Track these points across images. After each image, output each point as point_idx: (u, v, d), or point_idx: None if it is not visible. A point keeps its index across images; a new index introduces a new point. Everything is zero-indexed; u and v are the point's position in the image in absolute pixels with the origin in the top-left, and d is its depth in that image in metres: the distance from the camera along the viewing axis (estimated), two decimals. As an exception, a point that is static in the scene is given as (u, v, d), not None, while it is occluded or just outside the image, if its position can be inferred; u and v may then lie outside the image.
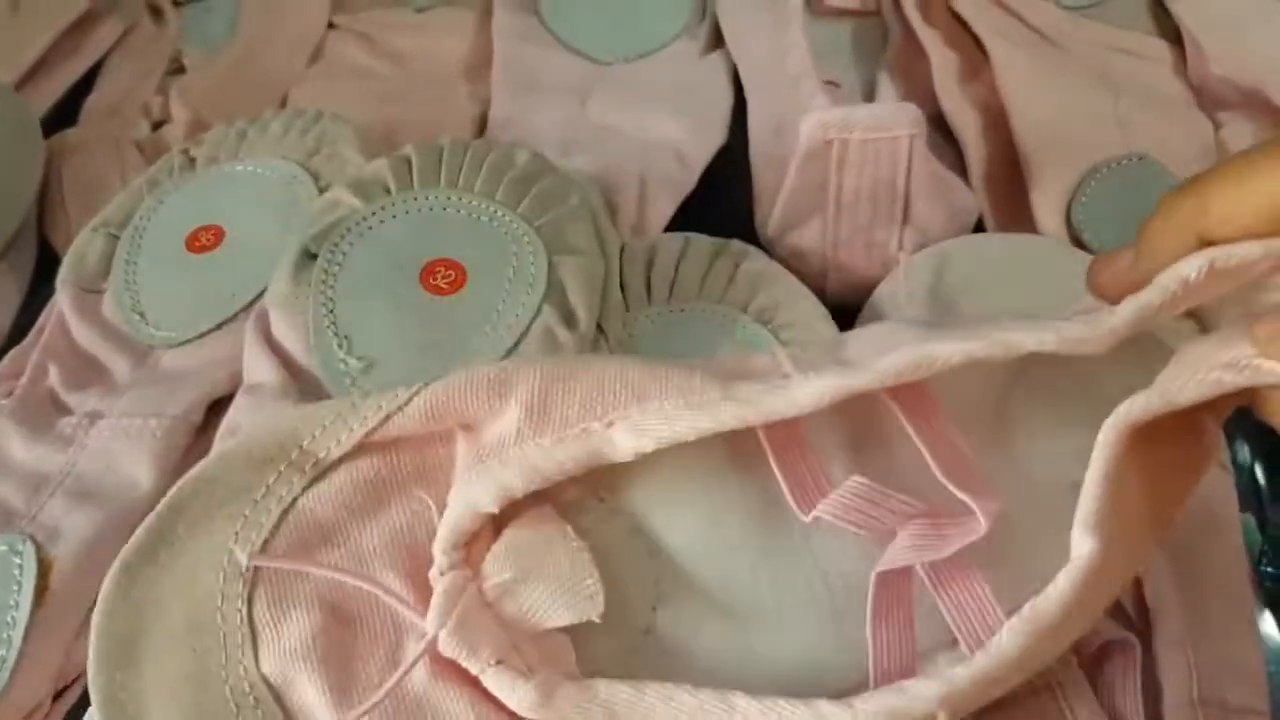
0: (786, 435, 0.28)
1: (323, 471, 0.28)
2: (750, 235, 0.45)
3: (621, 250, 0.42)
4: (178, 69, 0.57)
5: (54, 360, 0.39)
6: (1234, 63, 0.49)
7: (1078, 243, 0.43)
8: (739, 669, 0.28)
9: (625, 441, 0.27)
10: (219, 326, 0.40)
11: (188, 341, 0.40)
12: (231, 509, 0.27)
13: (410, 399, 0.28)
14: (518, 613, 0.26)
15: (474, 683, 0.25)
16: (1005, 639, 0.24)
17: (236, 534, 0.27)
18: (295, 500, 0.27)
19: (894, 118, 0.39)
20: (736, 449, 0.30)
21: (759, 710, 0.24)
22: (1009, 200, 0.46)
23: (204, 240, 0.42)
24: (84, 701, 0.29)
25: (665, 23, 0.56)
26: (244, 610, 0.26)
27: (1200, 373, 0.24)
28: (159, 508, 0.27)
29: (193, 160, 0.46)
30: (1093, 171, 0.44)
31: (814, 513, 0.27)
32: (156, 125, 0.53)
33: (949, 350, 0.26)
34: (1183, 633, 0.33)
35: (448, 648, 0.25)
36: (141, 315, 0.41)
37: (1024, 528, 0.28)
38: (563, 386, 0.27)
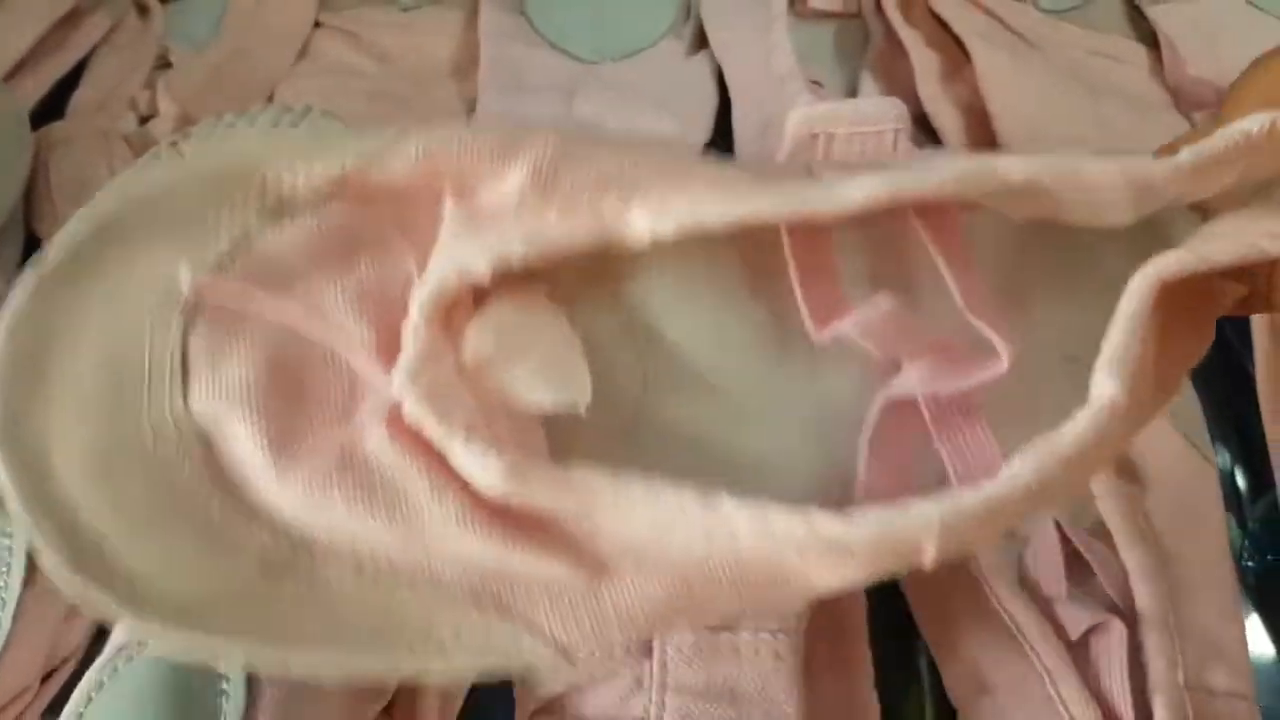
0: (813, 250, 0.26)
1: (286, 209, 0.24)
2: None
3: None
4: (164, 65, 0.57)
5: (41, 349, 0.39)
6: (1210, 65, 0.50)
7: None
8: (722, 471, 0.26)
9: (642, 222, 0.23)
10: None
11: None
12: (173, 234, 0.23)
13: (398, 143, 0.24)
14: (496, 388, 0.23)
15: (434, 456, 0.22)
16: (1017, 466, 0.22)
17: (177, 260, 0.23)
18: (249, 235, 0.23)
19: (880, 112, 0.40)
20: (754, 267, 0.27)
21: (747, 516, 0.21)
22: (991, 198, 0.47)
23: (192, 231, 0.42)
24: (73, 684, 0.29)
25: (650, 24, 0.57)
26: (177, 341, 0.23)
27: (1239, 237, 0.23)
28: (79, 221, 0.23)
29: (181, 154, 0.46)
30: (1073, 169, 0.45)
31: (833, 329, 0.25)
32: (143, 120, 0.53)
33: (1012, 166, 0.23)
34: (1168, 618, 0.33)
35: (414, 409, 0.21)
36: (130, 305, 0.40)
37: (1013, 395, 0.26)
38: (578, 156, 0.24)
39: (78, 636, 0.34)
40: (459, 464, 0.21)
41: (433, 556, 0.22)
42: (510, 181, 0.23)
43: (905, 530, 0.21)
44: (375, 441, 0.22)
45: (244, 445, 0.22)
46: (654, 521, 0.21)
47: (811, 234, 0.25)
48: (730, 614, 0.26)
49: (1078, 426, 0.22)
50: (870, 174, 0.23)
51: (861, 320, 0.25)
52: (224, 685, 0.28)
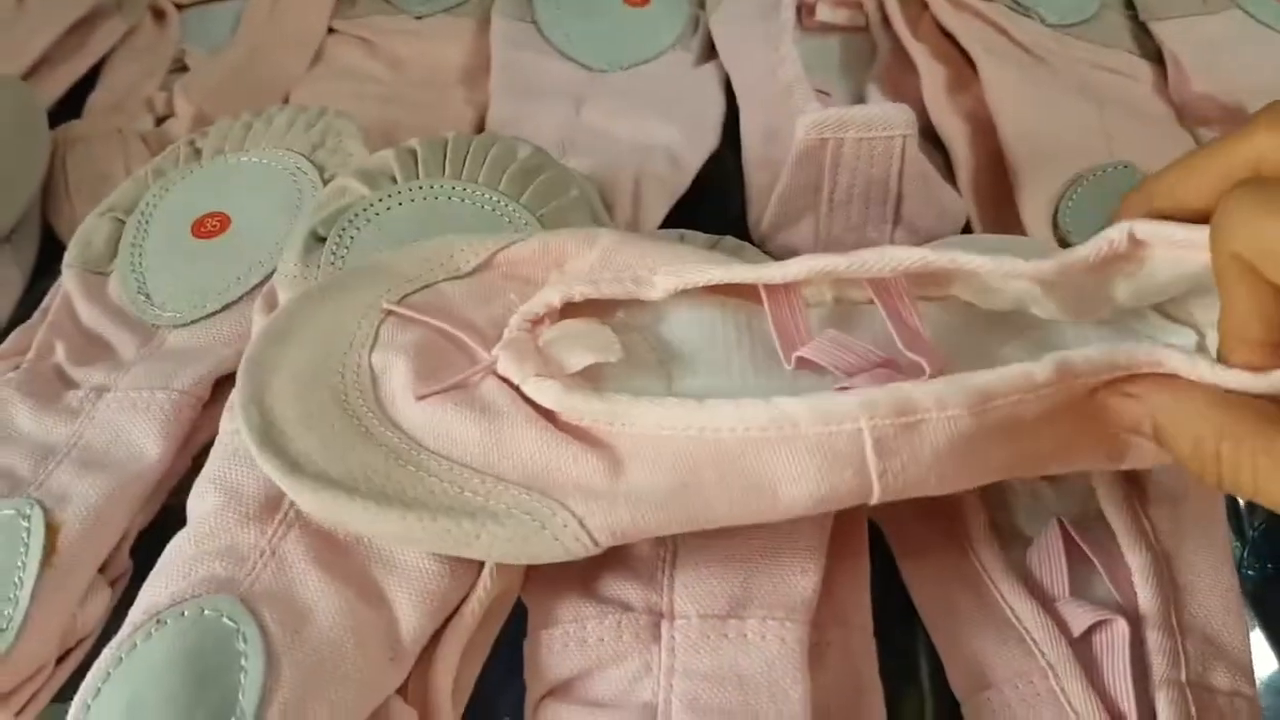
0: (784, 300, 0.34)
1: (459, 274, 0.36)
2: (741, 237, 0.46)
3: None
4: (180, 68, 0.58)
5: (60, 338, 0.40)
6: (1214, 81, 0.51)
7: (1064, 246, 0.44)
8: None
9: (662, 282, 0.34)
10: (224, 309, 0.40)
11: (193, 322, 0.40)
12: (390, 282, 0.35)
13: (529, 236, 0.36)
14: (556, 355, 0.33)
15: (518, 391, 0.31)
16: (938, 381, 0.28)
17: (388, 290, 0.35)
18: (434, 284, 0.35)
19: (888, 118, 0.40)
20: (745, 312, 0.36)
21: (729, 408, 0.28)
22: (996, 207, 0.48)
23: (210, 226, 0.43)
24: (88, 664, 0.30)
25: (659, 35, 0.58)
26: (373, 327, 0.34)
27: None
28: (345, 273, 0.37)
29: (198, 151, 0.47)
30: (1078, 178, 0.46)
31: (796, 353, 0.33)
32: (160, 120, 0.54)
33: (909, 254, 0.31)
34: (1170, 617, 0.34)
35: (503, 364, 0.32)
36: (147, 296, 0.41)
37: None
38: (631, 247, 0.35)
39: (94, 617, 0.34)
40: (530, 392, 0.31)
41: (501, 458, 0.30)
42: (588, 258, 0.36)
43: (840, 406, 0.27)
44: (489, 387, 0.32)
45: (398, 379, 0.32)
46: (660, 421, 0.29)
47: (784, 290, 0.34)
48: (721, 515, 0.29)
49: (994, 374, 0.27)
50: (811, 259, 0.33)
51: (815, 345, 0.32)
52: (242, 662, 0.28)
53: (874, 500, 0.28)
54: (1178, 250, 0.28)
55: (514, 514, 0.29)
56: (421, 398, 0.31)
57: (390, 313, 0.34)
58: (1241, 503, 0.41)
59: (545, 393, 0.31)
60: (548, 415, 0.31)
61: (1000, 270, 0.31)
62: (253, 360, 0.32)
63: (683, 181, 0.49)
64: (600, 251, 0.36)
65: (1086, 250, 0.29)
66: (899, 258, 0.31)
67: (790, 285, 0.34)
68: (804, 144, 0.41)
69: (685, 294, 0.35)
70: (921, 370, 0.30)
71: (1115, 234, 0.29)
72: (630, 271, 0.35)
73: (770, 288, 0.34)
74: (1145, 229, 0.28)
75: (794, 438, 0.27)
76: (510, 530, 0.29)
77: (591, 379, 0.33)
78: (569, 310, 0.35)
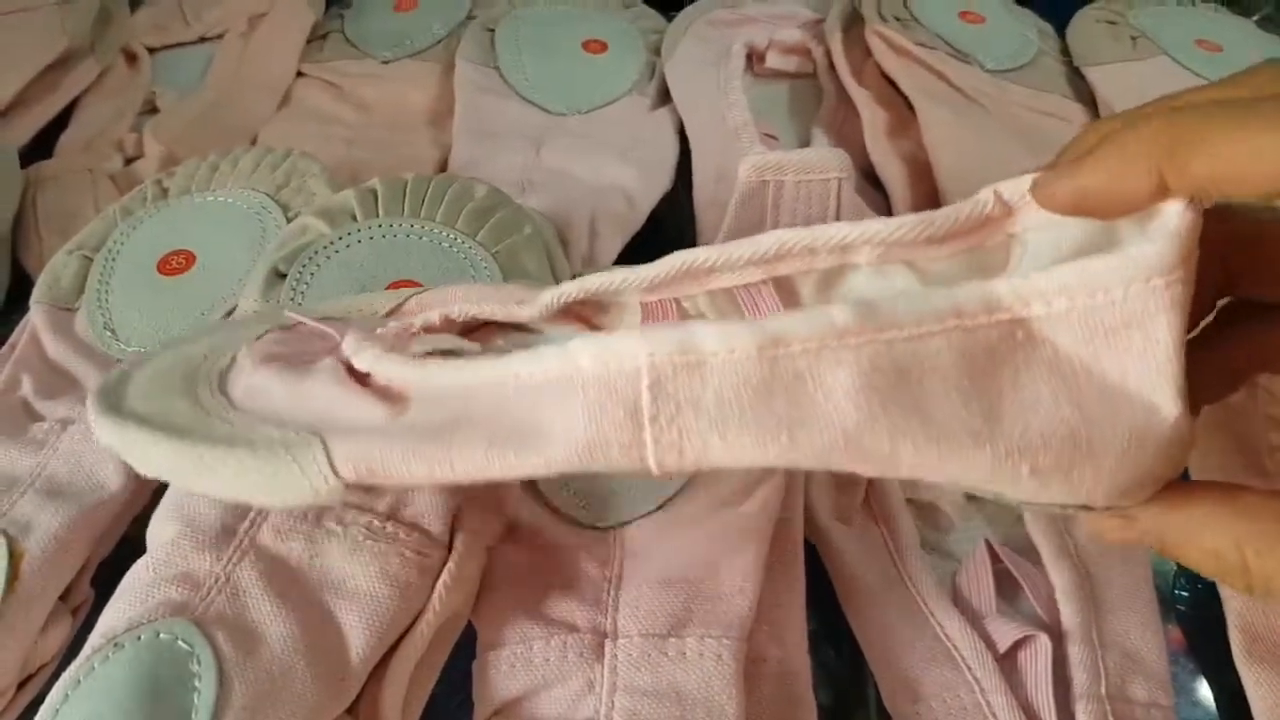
0: (659, 313, 0.32)
1: (374, 315, 0.36)
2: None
3: (573, 279, 0.44)
4: (151, 110, 0.59)
5: (27, 372, 0.41)
6: (1142, 124, 0.53)
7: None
8: None
9: (543, 298, 0.32)
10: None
11: (157, 356, 0.41)
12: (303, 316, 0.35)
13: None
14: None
15: (350, 372, 0.30)
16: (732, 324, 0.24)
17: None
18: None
19: (824, 161, 0.42)
20: None
21: (529, 356, 0.25)
22: (935, 245, 0.49)
23: (175, 264, 0.44)
24: (48, 692, 0.31)
25: (616, 80, 0.60)
26: (261, 332, 0.34)
27: None
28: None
29: (165, 190, 0.48)
30: (1011, 219, 0.47)
31: None
32: (129, 160, 0.55)
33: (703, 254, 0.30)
34: (1092, 633, 0.35)
35: (346, 341, 0.30)
36: (113, 332, 0.42)
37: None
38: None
39: (55, 645, 0.35)
40: (347, 351, 0.30)
41: (295, 409, 0.29)
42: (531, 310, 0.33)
43: (622, 343, 0.24)
44: (323, 361, 0.30)
45: (250, 361, 0.31)
46: (464, 377, 0.27)
47: (659, 305, 0.32)
48: (475, 462, 0.26)
49: (791, 317, 0.23)
50: (674, 255, 0.30)
51: None
52: (195, 683, 0.29)
53: (651, 461, 0.24)
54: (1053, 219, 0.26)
55: (273, 448, 0.27)
56: (262, 363, 0.31)
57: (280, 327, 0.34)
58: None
59: (362, 354, 0.29)
60: (362, 380, 0.30)
61: (857, 235, 0.28)
62: (137, 357, 0.34)
63: (637, 220, 0.51)
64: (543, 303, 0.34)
65: (950, 210, 0.27)
66: (763, 244, 0.29)
67: (664, 302, 0.32)
68: (746, 185, 0.43)
69: (569, 319, 0.33)
70: None
71: (982, 194, 0.26)
72: (516, 294, 0.34)
73: (647, 305, 0.33)
74: (1011, 187, 0.26)
75: (573, 376, 0.25)
76: (261, 461, 0.27)
77: None
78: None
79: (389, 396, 0.28)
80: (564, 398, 0.25)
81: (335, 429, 0.27)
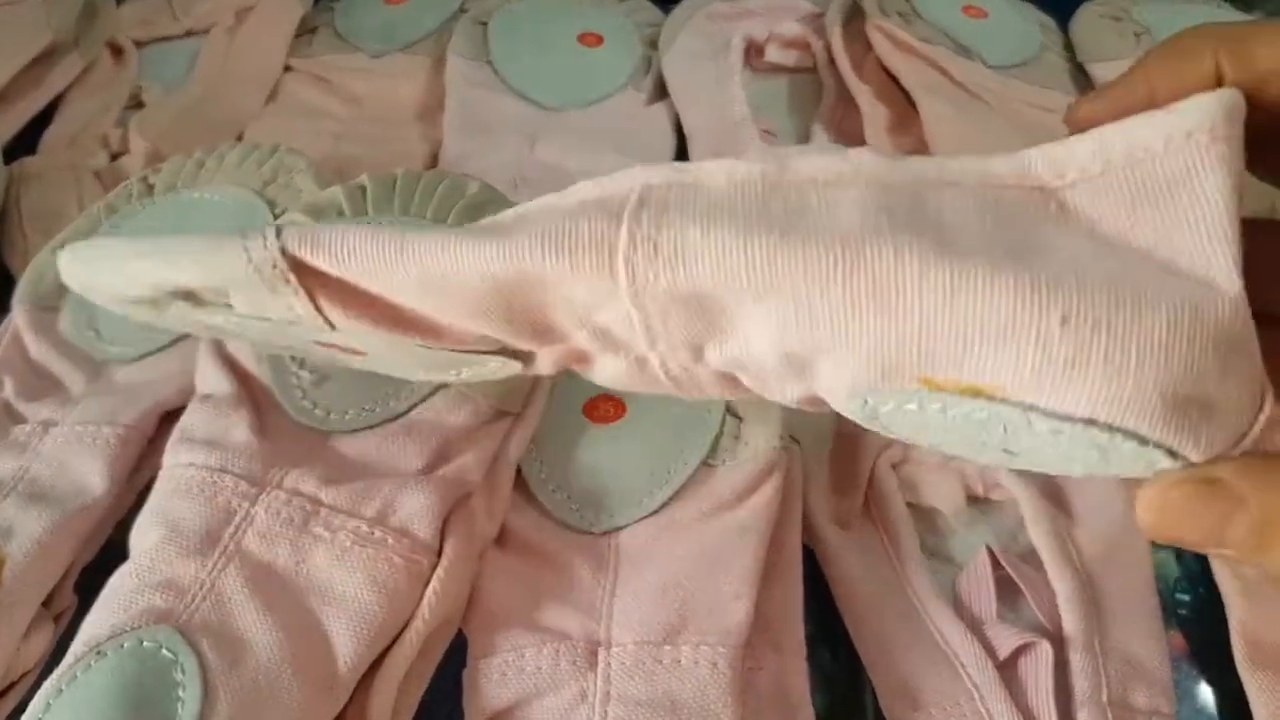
0: None
1: None
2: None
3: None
4: (137, 105, 0.58)
5: (9, 373, 0.40)
6: (1145, 120, 0.52)
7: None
8: None
9: None
10: (172, 344, 0.41)
11: (142, 357, 0.41)
12: None
13: None
14: None
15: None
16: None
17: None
18: None
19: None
20: None
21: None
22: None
23: (160, 262, 0.44)
24: (30, 700, 0.30)
25: (612, 74, 0.59)
26: None
27: None
28: None
29: (151, 187, 0.48)
30: (1012, 214, 0.47)
31: None
32: (114, 156, 0.54)
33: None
34: (1093, 640, 0.35)
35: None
36: (96, 332, 0.42)
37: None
38: None
39: (37, 652, 0.34)
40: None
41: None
42: None
43: (625, 173, 0.23)
44: None
45: None
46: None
47: None
48: (435, 252, 0.24)
49: (805, 157, 0.22)
50: None
51: None
52: (180, 692, 0.29)
53: (620, 260, 0.22)
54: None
55: (233, 235, 0.25)
56: None
57: None
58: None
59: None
60: None
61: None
62: None
63: (631, 216, 0.50)
64: None
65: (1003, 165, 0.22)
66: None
67: None
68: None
69: None
70: None
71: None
72: None
73: None
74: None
75: (563, 199, 0.24)
76: (212, 244, 0.26)
77: None
78: None
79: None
80: (550, 209, 0.23)
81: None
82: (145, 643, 0.30)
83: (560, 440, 0.39)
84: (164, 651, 0.30)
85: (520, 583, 0.35)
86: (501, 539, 0.37)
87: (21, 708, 0.33)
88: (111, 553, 0.37)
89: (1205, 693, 0.38)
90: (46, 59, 0.59)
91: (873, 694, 0.36)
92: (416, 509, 0.34)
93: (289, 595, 0.32)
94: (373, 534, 0.33)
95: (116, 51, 0.62)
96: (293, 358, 0.37)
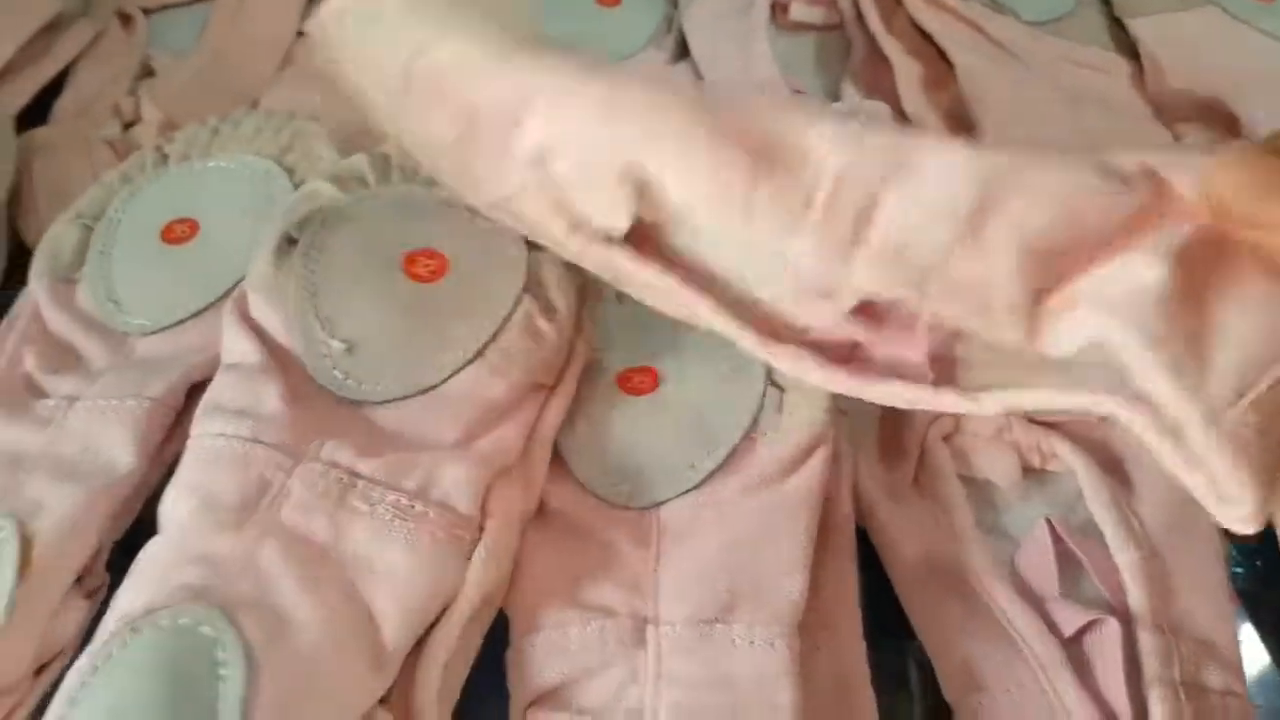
0: None
1: None
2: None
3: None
4: (147, 73, 0.57)
5: (29, 347, 0.39)
6: (1191, 77, 0.51)
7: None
8: None
9: None
10: (195, 315, 0.40)
11: (164, 329, 0.39)
12: None
13: None
14: None
15: None
16: None
17: None
18: None
19: (866, 113, 0.40)
20: None
21: None
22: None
23: (179, 232, 0.42)
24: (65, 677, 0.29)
25: (632, 34, 0.57)
26: None
27: None
28: None
29: (165, 156, 0.46)
30: (1056, 174, 0.45)
31: None
32: (127, 126, 0.53)
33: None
34: (1162, 617, 0.33)
35: None
36: (116, 303, 0.40)
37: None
38: None
39: (70, 630, 0.33)
40: None
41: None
42: None
43: None
44: None
45: None
46: None
47: None
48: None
49: None
50: None
51: None
52: (222, 671, 0.27)
53: None
54: None
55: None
56: None
57: None
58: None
59: None
60: None
61: None
62: None
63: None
64: None
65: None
66: None
67: None
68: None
69: None
70: None
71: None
72: None
73: None
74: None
75: None
76: None
77: None
78: None
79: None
80: None
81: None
82: (183, 620, 0.28)
83: (594, 413, 0.38)
84: (203, 628, 0.28)
85: (561, 559, 0.34)
86: (540, 515, 0.36)
87: (57, 684, 0.32)
88: (142, 530, 0.36)
89: (1265, 665, 0.37)
90: (55, 28, 0.57)
91: (918, 670, 0.35)
92: (457, 482, 0.33)
93: (329, 569, 0.31)
94: (413, 507, 0.32)
95: (125, 19, 0.60)
96: (322, 327, 0.35)
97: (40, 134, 0.52)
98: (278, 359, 0.35)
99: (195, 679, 0.27)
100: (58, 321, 0.40)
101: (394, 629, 0.30)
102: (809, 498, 0.34)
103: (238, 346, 0.36)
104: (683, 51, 0.57)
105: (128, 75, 0.56)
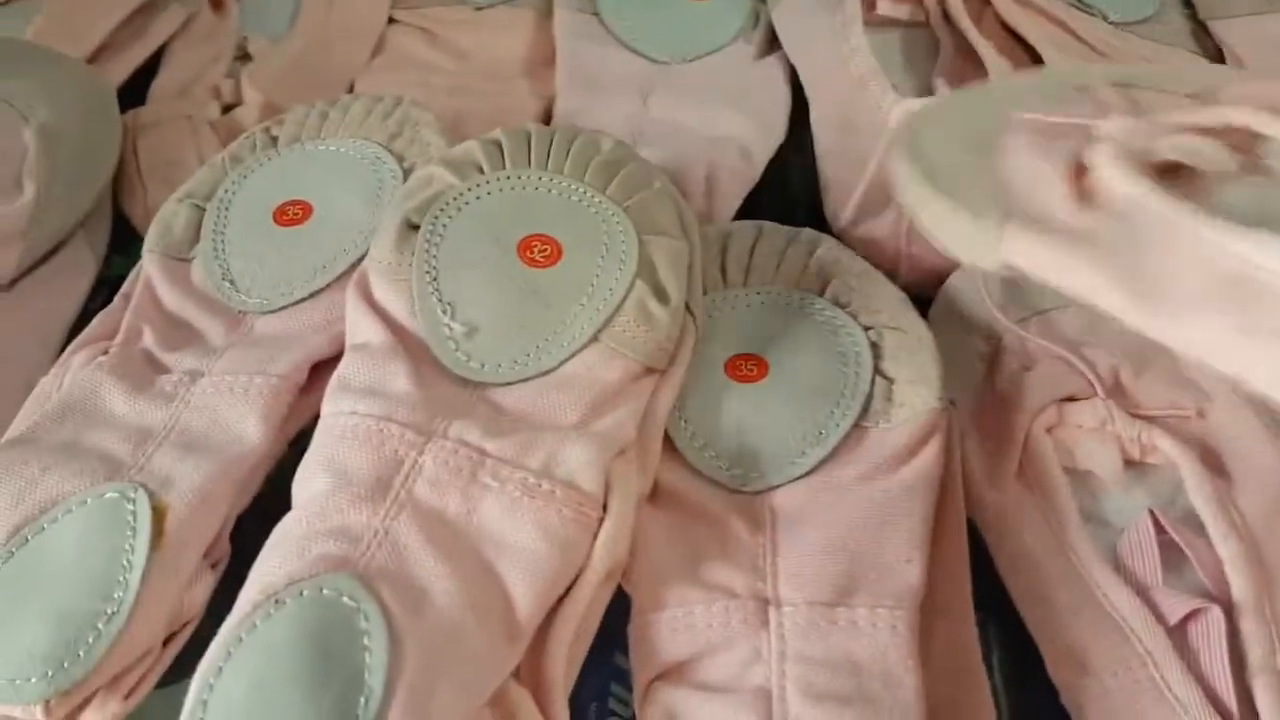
0: None
1: None
2: (811, 227, 0.46)
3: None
4: (243, 56, 0.58)
5: (146, 323, 0.40)
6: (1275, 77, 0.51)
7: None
8: None
9: None
10: (312, 296, 0.40)
11: (282, 308, 0.40)
12: None
13: None
14: None
15: None
16: None
17: None
18: None
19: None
20: None
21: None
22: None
23: (292, 214, 0.43)
24: (192, 647, 0.30)
25: (722, 27, 0.58)
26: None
27: None
28: None
29: (274, 139, 0.47)
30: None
31: None
32: (227, 108, 0.54)
33: None
34: (1264, 606, 0.34)
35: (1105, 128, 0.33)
36: (232, 283, 0.41)
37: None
38: None
39: (199, 600, 0.34)
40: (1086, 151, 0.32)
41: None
42: None
43: None
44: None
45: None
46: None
47: None
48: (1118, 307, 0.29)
49: None
50: None
51: None
52: (365, 641, 0.28)
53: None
54: None
55: (965, 211, 0.33)
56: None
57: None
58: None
59: (1100, 146, 0.32)
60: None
61: None
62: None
63: (753, 174, 0.50)
64: None
65: None
66: None
67: None
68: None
69: None
70: None
71: None
72: None
73: None
74: None
75: None
76: (951, 213, 0.33)
77: None
78: None
79: (1081, 190, 0.31)
80: None
81: (1017, 203, 0.31)
82: (325, 590, 0.29)
83: (704, 399, 0.39)
84: (345, 600, 0.29)
85: (679, 539, 0.35)
86: (654, 496, 0.37)
87: (184, 655, 0.33)
88: (263, 503, 0.37)
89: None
90: (148, 10, 0.58)
91: (999, 652, 0.36)
92: (581, 462, 0.33)
93: (463, 544, 0.31)
94: (540, 485, 0.32)
95: (216, 3, 0.61)
96: (444, 310, 0.36)
97: (144, 113, 0.53)
98: (402, 340, 0.36)
99: (339, 649, 0.28)
100: (173, 299, 0.41)
101: (526, 603, 0.31)
102: (925, 485, 0.35)
103: (364, 327, 0.36)
104: (771, 45, 0.57)
105: (226, 57, 0.57)
